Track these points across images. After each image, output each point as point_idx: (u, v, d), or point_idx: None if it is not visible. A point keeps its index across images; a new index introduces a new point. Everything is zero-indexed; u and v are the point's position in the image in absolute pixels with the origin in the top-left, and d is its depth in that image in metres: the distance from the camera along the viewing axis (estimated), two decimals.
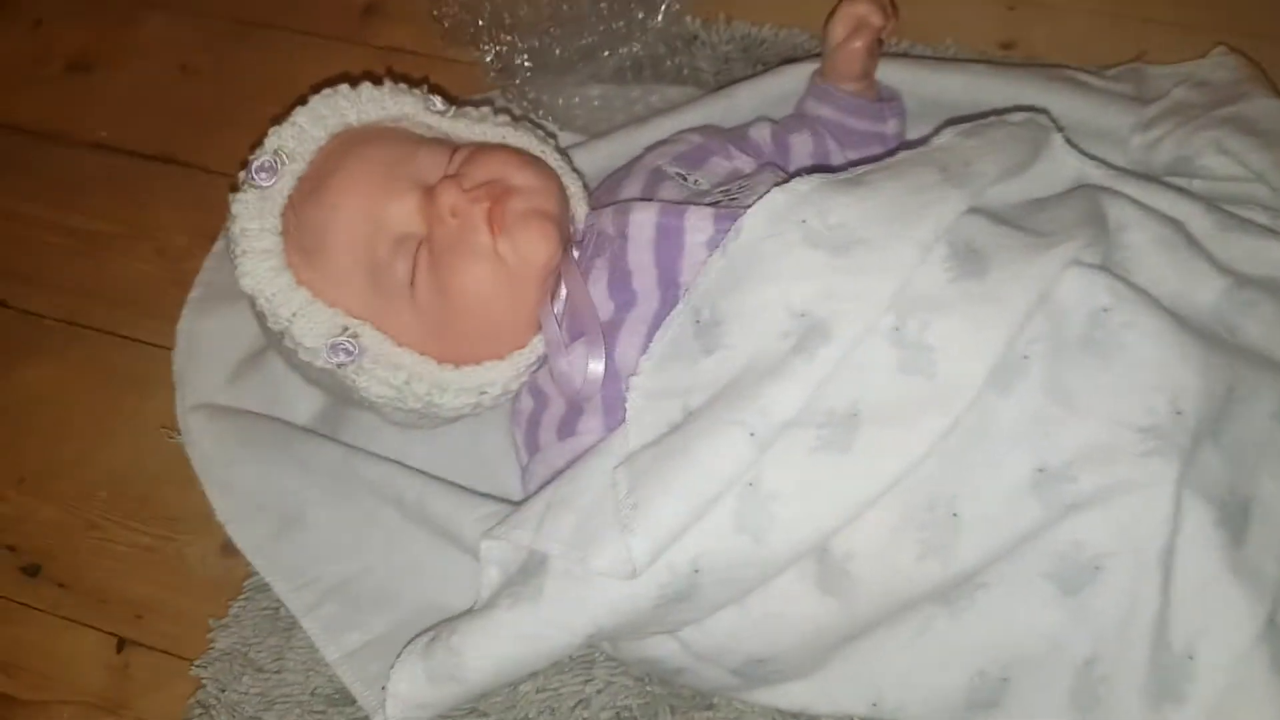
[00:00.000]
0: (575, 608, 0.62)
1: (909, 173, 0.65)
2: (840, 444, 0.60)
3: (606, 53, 0.94)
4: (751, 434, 0.59)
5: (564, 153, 0.81)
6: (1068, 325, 0.62)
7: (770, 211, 0.64)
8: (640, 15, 0.94)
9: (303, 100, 0.74)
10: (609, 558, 0.60)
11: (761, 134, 0.82)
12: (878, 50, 0.83)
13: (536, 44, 0.91)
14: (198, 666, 0.77)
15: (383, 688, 0.67)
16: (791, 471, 0.60)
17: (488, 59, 0.92)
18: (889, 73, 0.86)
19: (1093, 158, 0.74)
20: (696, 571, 0.61)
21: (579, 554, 0.61)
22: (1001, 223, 0.65)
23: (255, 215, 0.71)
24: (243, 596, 0.79)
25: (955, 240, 0.63)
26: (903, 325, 0.61)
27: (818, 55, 0.87)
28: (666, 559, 0.60)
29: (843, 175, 0.66)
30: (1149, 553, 0.58)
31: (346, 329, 0.70)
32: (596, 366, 0.68)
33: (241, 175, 0.73)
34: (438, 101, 0.77)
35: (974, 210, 0.65)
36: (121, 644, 0.80)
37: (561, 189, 0.75)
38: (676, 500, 0.59)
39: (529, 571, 0.64)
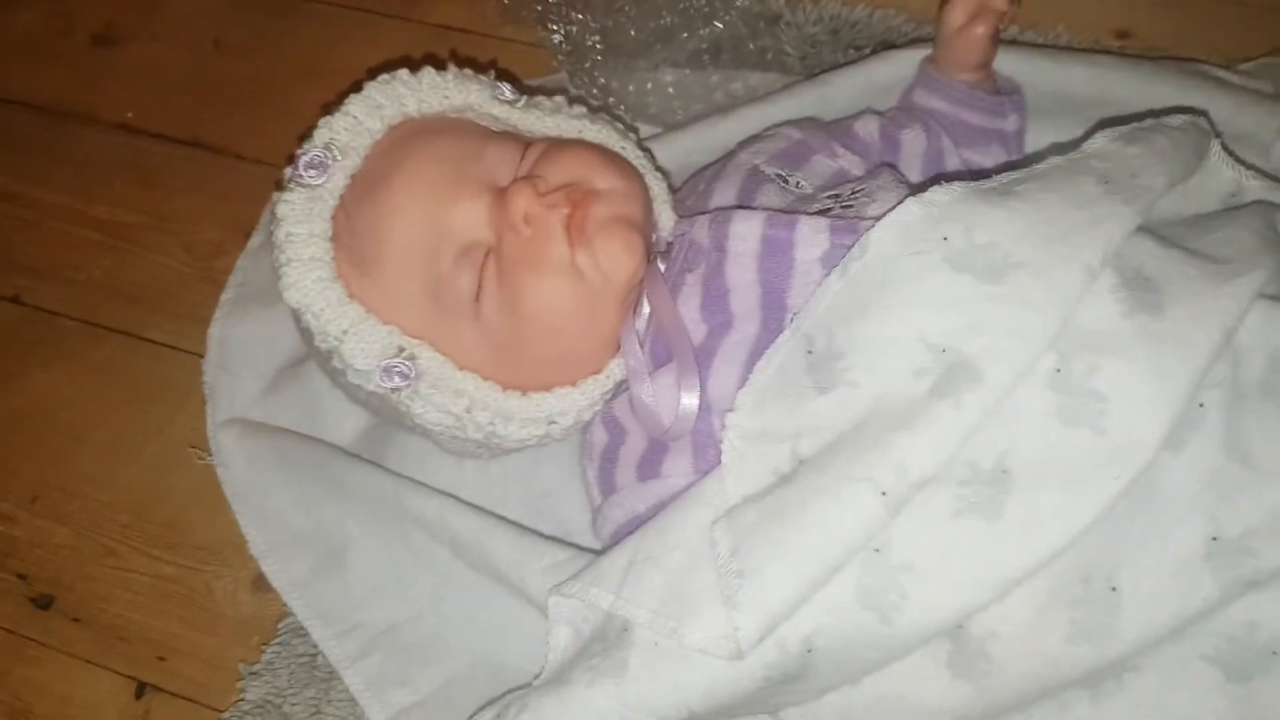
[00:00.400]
0: (666, 689, 0.54)
1: (1067, 184, 0.56)
2: (988, 508, 0.51)
3: (685, 34, 0.86)
4: (883, 493, 0.51)
5: (646, 149, 0.72)
6: (1247, 369, 0.54)
7: (904, 226, 0.55)
8: None
9: (357, 87, 0.66)
10: (708, 633, 0.52)
11: (869, 129, 0.73)
12: (998, 37, 0.74)
13: (610, 23, 0.83)
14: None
15: None
16: (929, 538, 0.52)
17: (556, 39, 0.84)
18: (1006, 63, 0.78)
19: (1250, 167, 0.65)
20: (810, 651, 0.53)
21: (671, 624, 0.53)
22: (1171, 246, 0.56)
23: (303, 218, 0.63)
24: (277, 640, 0.71)
25: (1124, 267, 0.54)
26: (1066, 367, 0.52)
27: (918, 40, 0.82)
28: (777, 636, 0.52)
29: (988, 184, 0.57)
30: None
31: (403, 350, 0.62)
32: (690, 400, 0.59)
33: (288, 171, 0.65)
34: (507, 90, 0.69)
35: (1142, 231, 0.56)
36: (141, 689, 0.73)
37: (647, 192, 0.66)
38: (791, 570, 0.51)
39: (609, 640, 0.56)
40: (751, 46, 0.89)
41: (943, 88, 0.75)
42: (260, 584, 0.74)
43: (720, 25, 0.86)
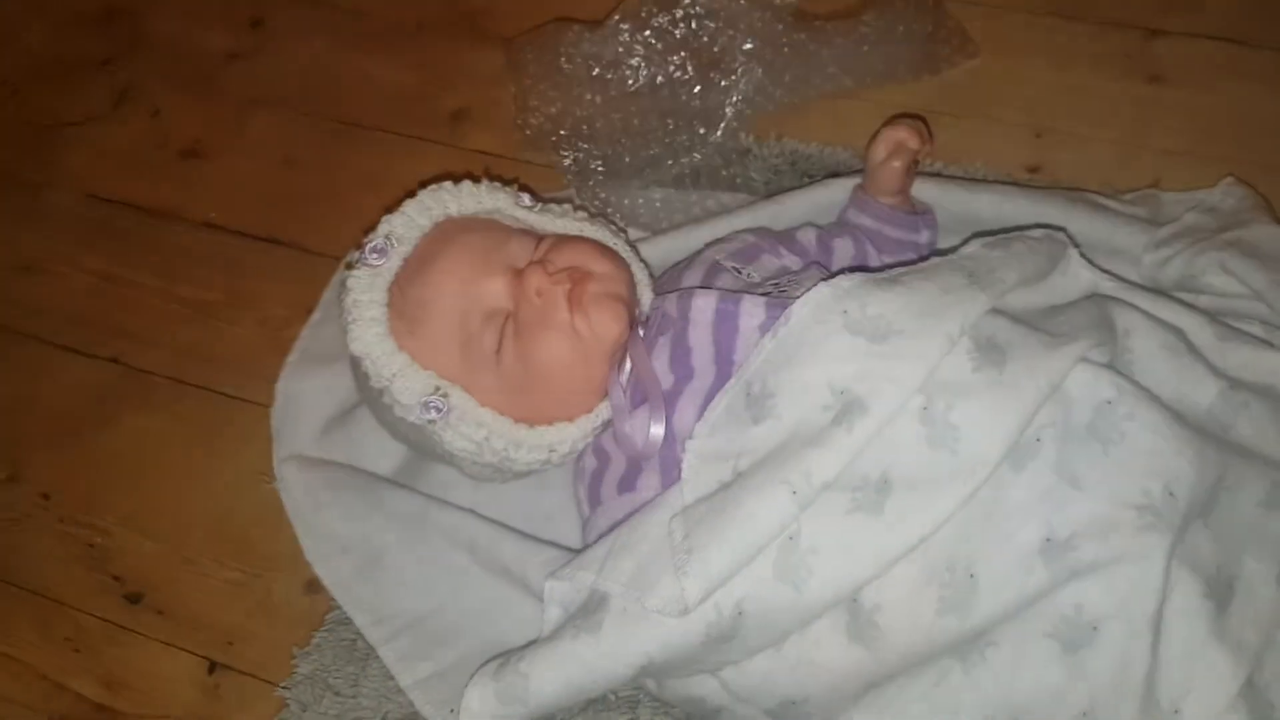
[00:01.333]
0: (631, 640, 0.70)
1: (940, 275, 0.75)
2: (873, 507, 0.68)
3: (670, 161, 1.05)
4: (794, 492, 0.68)
5: (633, 245, 0.91)
6: (1076, 414, 0.70)
7: (817, 302, 0.73)
8: (701, 130, 1.06)
9: (411, 193, 0.86)
10: (663, 597, 0.68)
11: (807, 237, 0.92)
12: (914, 169, 0.93)
13: (610, 152, 1.03)
14: (282, 688, 0.85)
15: (451, 710, 0.75)
16: (829, 529, 0.68)
17: (566, 163, 1.04)
18: (924, 189, 0.96)
19: (1106, 272, 0.83)
20: (740, 614, 0.69)
21: (637, 593, 0.70)
22: (1020, 323, 0.74)
23: (367, 289, 0.82)
24: (324, 628, 0.87)
25: (979, 335, 0.71)
26: (931, 405, 0.69)
27: (859, 171, 0.97)
28: (714, 600, 0.68)
29: (881, 275, 0.75)
30: (1141, 617, 0.65)
31: (439, 389, 0.80)
32: (658, 429, 0.77)
33: (356, 255, 0.83)
34: (526, 198, 0.89)
35: (996, 311, 0.74)
36: (213, 666, 0.88)
37: (631, 276, 0.85)
38: (726, 548, 0.68)
39: (590, 609, 0.73)
40: (724, 173, 1.08)
41: (869, 207, 0.93)
42: (312, 587, 0.89)
43: (699, 156, 1.05)
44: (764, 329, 0.76)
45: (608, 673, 0.71)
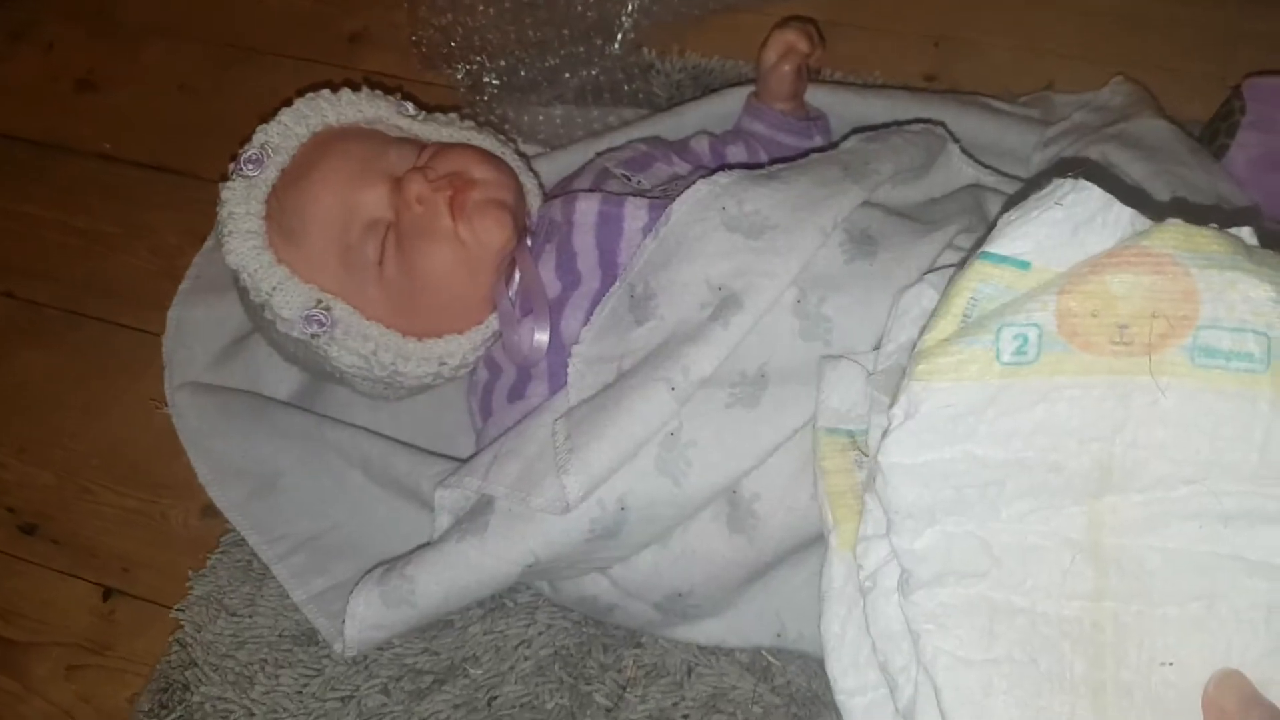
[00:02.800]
0: (516, 540, 0.70)
1: (815, 170, 0.75)
2: (750, 400, 0.69)
3: (568, 75, 1.04)
4: (673, 389, 0.68)
5: (522, 154, 0.90)
6: None
7: (695, 200, 0.73)
8: (599, 42, 1.04)
9: (288, 102, 0.84)
10: (547, 496, 0.69)
11: (701, 145, 0.91)
12: (806, 75, 0.93)
13: (504, 64, 1.01)
14: (177, 610, 0.84)
15: (343, 620, 0.75)
16: (708, 423, 0.69)
17: (459, 76, 1.02)
18: (818, 96, 0.96)
19: (988, 167, 0.83)
20: (623, 509, 0.69)
21: (521, 494, 0.70)
22: (895, 215, 0.75)
23: (242, 201, 0.80)
24: (219, 550, 0.87)
25: (852, 228, 0.72)
26: (804, 298, 0.70)
27: (754, 82, 0.97)
28: (597, 496, 0.69)
29: (759, 172, 0.76)
30: None
31: (320, 302, 0.79)
32: (542, 336, 0.77)
33: (231, 167, 0.82)
34: (410, 106, 0.87)
35: (872, 205, 0.74)
36: (108, 593, 0.88)
37: (518, 184, 0.84)
38: (607, 444, 0.68)
39: (476, 513, 0.73)
40: (626, 88, 1.07)
41: (761, 114, 0.93)
42: (208, 511, 0.88)
43: (598, 70, 1.04)
44: (647, 231, 0.76)
45: (493, 573, 0.71)
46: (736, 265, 0.71)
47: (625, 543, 0.71)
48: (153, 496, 0.92)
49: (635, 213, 0.77)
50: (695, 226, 0.73)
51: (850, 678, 0.59)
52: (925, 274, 0.70)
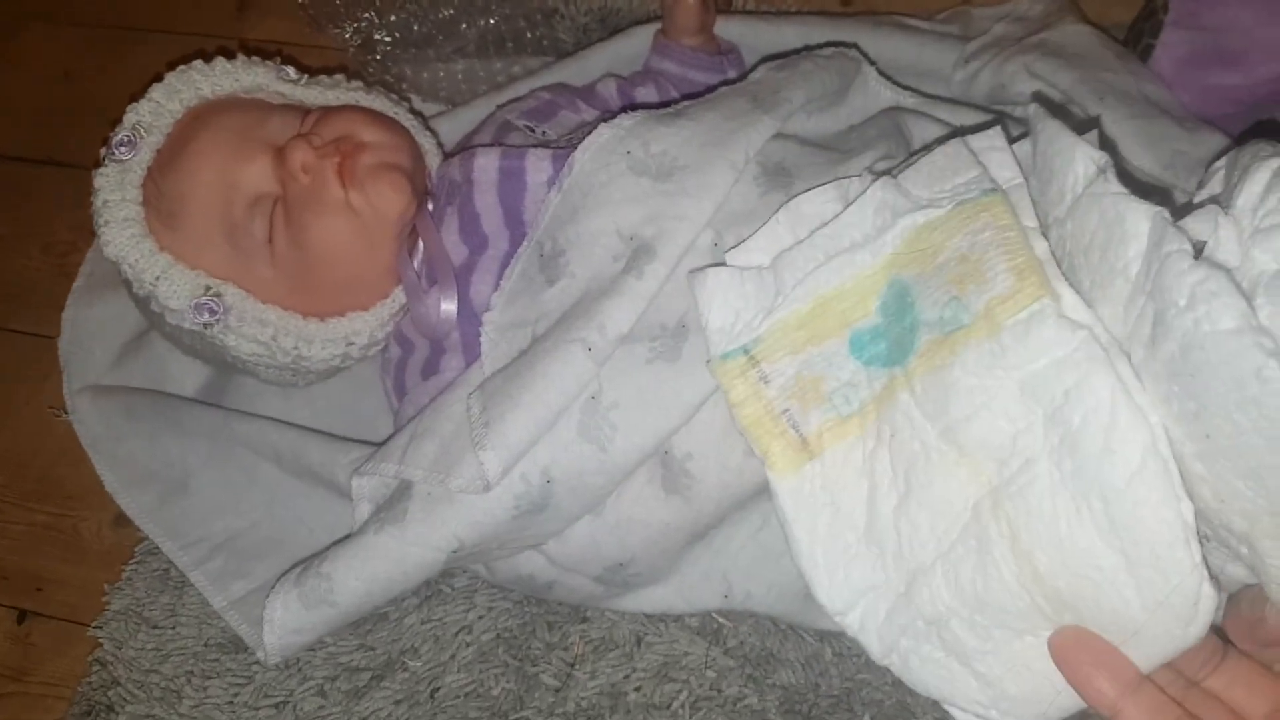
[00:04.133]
0: (437, 525, 0.66)
1: (724, 103, 0.70)
2: (670, 354, 0.64)
3: (465, 25, 0.98)
4: (589, 349, 0.64)
5: (418, 113, 0.85)
6: None
7: (598, 146, 0.69)
8: None
9: (159, 78, 0.78)
10: (466, 476, 0.64)
11: (608, 89, 0.86)
12: (713, 6, 0.88)
13: (394, 19, 0.95)
14: (94, 627, 0.80)
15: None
16: (629, 382, 0.65)
17: (348, 36, 0.96)
18: (728, 28, 0.91)
19: (907, 88, 0.79)
20: (549, 481, 0.65)
21: (439, 476, 0.65)
22: (810, 145, 0.70)
23: (116, 187, 0.75)
24: (135, 560, 0.82)
25: (766, 161, 0.68)
26: (720, 240, 0.65)
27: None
28: (520, 470, 0.64)
29: (664, 111, 0.71)
30: None
31: (209, 289, 0.74)
32: (449, 305, 0.72)
33: (102, 151, 0.76)
34: (291, 71, 0.81)
35: (787, 136, 0.70)
36: (23, 615, 0.83)
37: (414, 145, 0.79)
38: (524, 414, 0.64)
39: (395, 499, 0.68)
40: (530, 36, 1.02)
41: (671, 52, 0.88)
42: (120, 520, 0.84)
43: (495, 20, 0.99)
44: (553, 184, 0.71)
45: (417, 561, 0.66)
46: (647, 211, 0.66)
47: (555, 517, 0.67)
48: (62, 509, 0.87)
49: (538, 165, 0.73)
50: (600, 174, 0.68)
51: (838, 597, 0.55)
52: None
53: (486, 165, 0.73)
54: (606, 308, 0.64)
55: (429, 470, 0.66)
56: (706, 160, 0.66)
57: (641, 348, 0.65)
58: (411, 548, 0.66)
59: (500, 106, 0.86)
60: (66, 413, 0.87)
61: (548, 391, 0.64)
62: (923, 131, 0.72)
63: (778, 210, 0.62)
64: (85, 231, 0.95)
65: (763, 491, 0.66)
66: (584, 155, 0.69)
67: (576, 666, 0.74)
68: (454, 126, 0.91)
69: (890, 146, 0.70)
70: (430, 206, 0.77)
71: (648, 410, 0.64)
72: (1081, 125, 0.76)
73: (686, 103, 0.72)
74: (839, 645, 0.73)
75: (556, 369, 0.64)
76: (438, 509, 0.66)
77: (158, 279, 0.73)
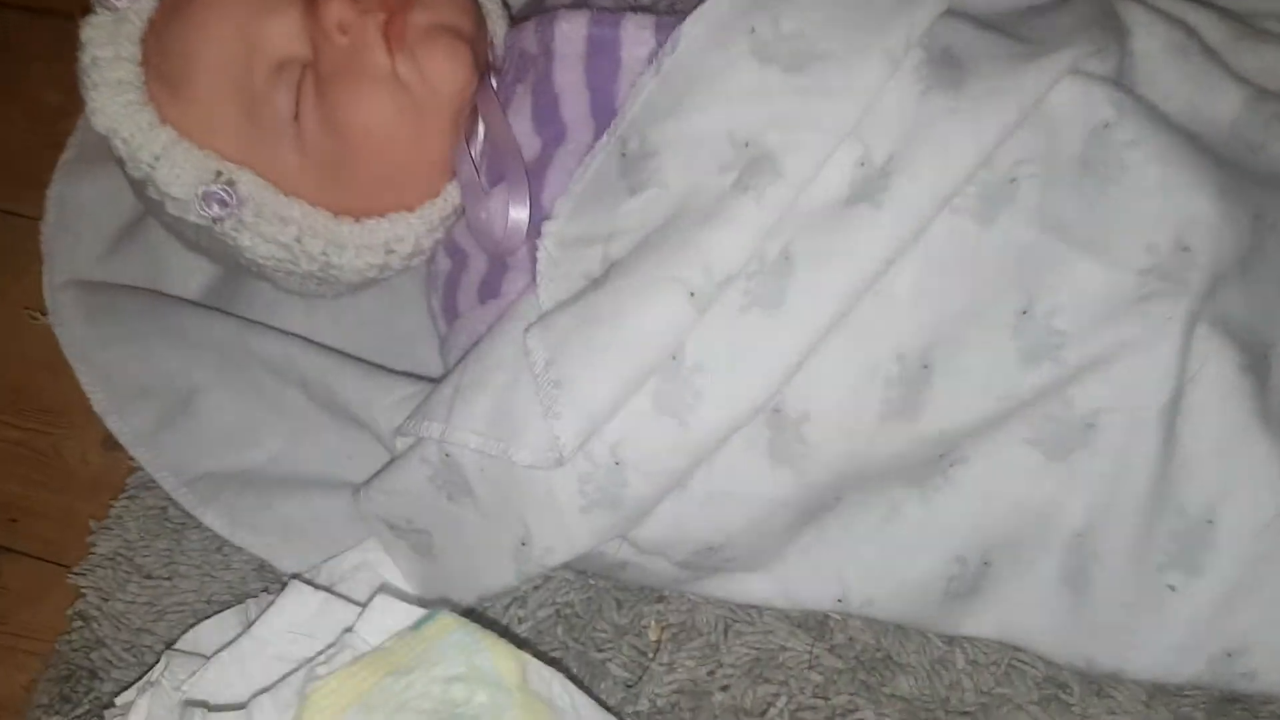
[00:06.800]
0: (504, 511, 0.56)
1: None
2: (771, 297, 0.53)
3: None
4: (692, 293, 0.52)
5: None
6: (1064, 143, 0.55)
7: (714, 17, 0.56)
8: None
9: None
10: (534, 447, 0.54)
11: None
12: None
13: None
14: (75, 574, 0.69)
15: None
16: (717, 337, 0.53)
17: None
18: None
19: None
20: (618, 463, 0.54)
21: (500, 445, 0.55)
22: (987, 29, 0.57)
23: (109, 41, 0.62)
24: (124, 495, 0.71)
25: (931, 45, 0.55)
26: (869, 158, 0.53)
27: None
28: (584, 448, 0.54)
29: None
30: (1149, 408, 0.53)
31: (221, 174, 0.61)
32: (519, 213, 0.59)
33: None
34: None
35: (954, 14, 0.56)
36: None
37: (476, 3, 0.66)
38: (607, 374, 0.53)
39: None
40: None
41: None
42: (110, 442, 0.73)
43: None
44: (652, 61, 0.58)
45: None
46: (772, 112, 0.54)
47: (631, 507, 0.56)
48: (41, 425, 0.76)
49: (637, 35, 0.59)
50: (714, 55, 0.55)
51: None
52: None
53: (571, 33, 0.60)
54: (713, 240, 0.52)
55: (484, 435, 0.55)
56: (855, 48, 0.54)
57: (733, 290, 0.53)
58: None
59: None
60: (45, 314, 0.76)
61: (638, 345, 0.53)
62: (1126, 18, 0.59)
63: None
64: (77, 93, 0.84)
65: (897, 468, 0.55)
66: (694, 28, 0.55)
67: (652, 656, 0.63)
68: None
69: (1099, 39, 0.56)
70: (493, 82, 0.64)
71: (741, 373, 0.53)
72: None
73: None
74: (973, 651, 0.61)
75: (651, 317, 0.52)
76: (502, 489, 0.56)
77: (157, 159, 0.61)
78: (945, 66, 0.54)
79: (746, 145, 0.53)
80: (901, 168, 0.52)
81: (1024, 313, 0.53)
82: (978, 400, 0.54)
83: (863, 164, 0.53)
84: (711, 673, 0.63)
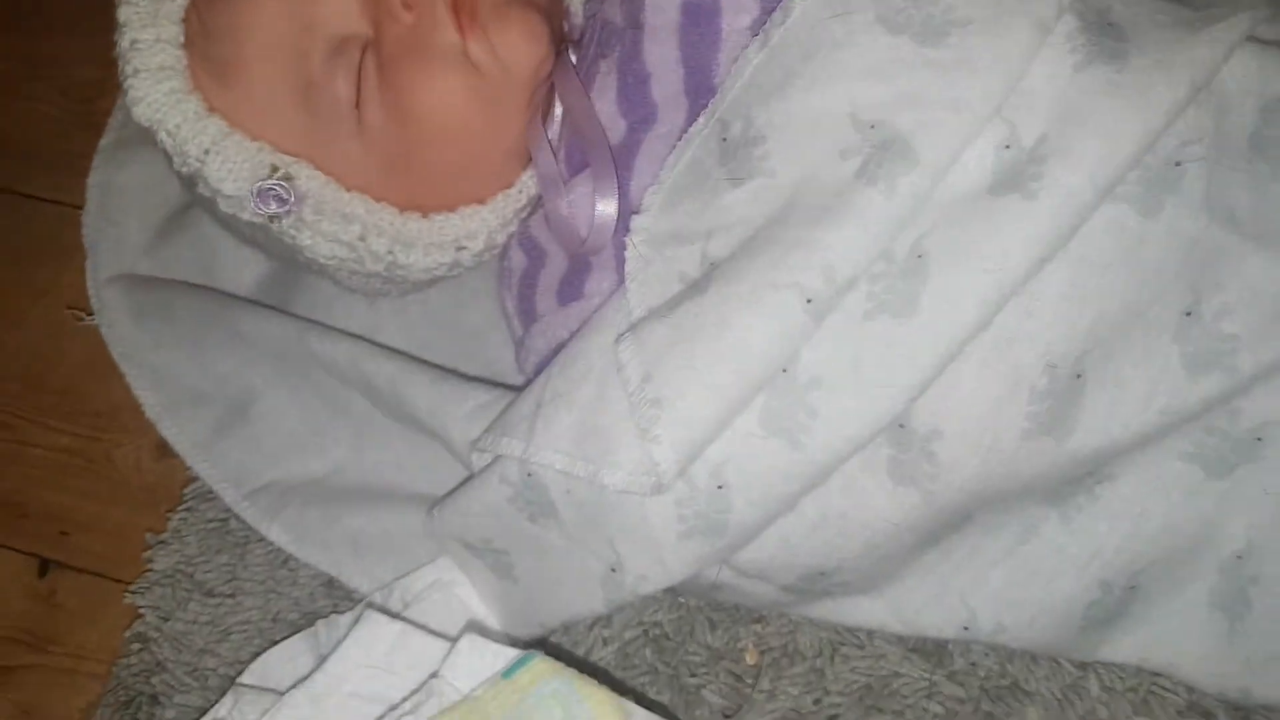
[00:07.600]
0: (589, 538, 0.51)
1: None
2: (902, 303, 0.47)
3: None
4: (809, 300, 0.46)
5: None
6: (1235, 121, 0.49)
7: None
8: None
9: None
10: (628, 470, 0.49)
11: None
12: None
13: None
14: (133, 592, 0.66)
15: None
16: (839, 348, 0.48)
17: None
18: None
19: None
20: (721, 487, 0.49)
21: (590, 467, 0.50)
22: None
23: (149, 22, 0.58)
24: (183, 506, 0.68)
25: (1086, 9, 0.48)
26: (1016, 139, 0.47)
27: None
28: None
29: None
30: None
31: (277, 169, 0.57)
32: (607, 207, 0.54)
33: None
34: None
35: None
36: (45, 566, 0.69)
37: None
38: (712, 393, 0.47)
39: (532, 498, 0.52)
40: None
41: None
42: (164, 449, 0.69)
43: None
44: (757, 32, 0.52)
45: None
46: (903, 89, 0.48)
47: (735, 533, 0.50)
48: (92, 431, 0.73)
49: (740, 3, 0.53)
50: (834, 25, 0.49)
51: None
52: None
53: (663, 1, 0.54)
54: (833, 238, 0.47)
55: (571, 455, 0.50)
56: (999, 13, 0.47)
57: (856, 294, 0.47)
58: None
59: None
60: (90, 315, 0.72)
61: (746, 360, 0.47)
62: None
63: None
64: (115, 68, 0.80)
65: (1035, 487, 0.50)
66: None
67: (751, 683, 0.59)
68: None
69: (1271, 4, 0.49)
70: (572, 59, 0.58)
71: (863, 389, 0.48)
72: None
73: None
74: (1109, 677, 0.57)
75: (761, 329, 0.47)
76: (589, 515, 0.51)
77: (207, 153, 0.56)
78: (1104, 35, 0.48)
79: (872, 128, 0.47)
80: (1056, 152, 0.46)
81: (1188, 314, 0.48)
82: (1138, 414, 0.49)
83: (1008, 147, 0.47)
84: (818, 701, 0.58)
